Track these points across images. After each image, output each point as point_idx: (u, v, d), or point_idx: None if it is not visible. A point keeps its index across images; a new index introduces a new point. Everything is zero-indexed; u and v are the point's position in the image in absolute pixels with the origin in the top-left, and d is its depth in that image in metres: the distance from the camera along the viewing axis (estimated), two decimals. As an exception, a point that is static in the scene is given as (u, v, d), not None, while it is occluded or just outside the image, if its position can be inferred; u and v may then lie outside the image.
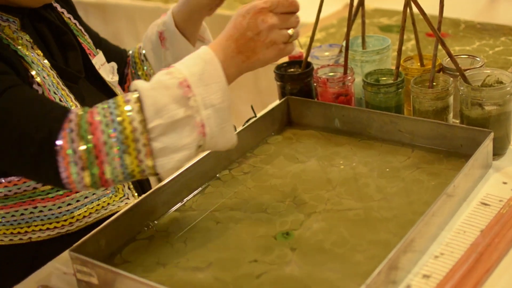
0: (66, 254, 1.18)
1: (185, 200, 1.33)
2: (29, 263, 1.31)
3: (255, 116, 1.54)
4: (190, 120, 1.11)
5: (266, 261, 1.15)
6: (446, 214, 1.21)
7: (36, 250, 1.33)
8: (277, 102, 1.58)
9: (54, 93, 1.28)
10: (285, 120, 1.55)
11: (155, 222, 1.27)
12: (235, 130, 1.16)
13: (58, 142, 1.08)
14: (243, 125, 1.49)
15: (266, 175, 1.39)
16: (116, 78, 1.51)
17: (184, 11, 1.51)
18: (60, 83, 1.31)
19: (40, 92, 1.26)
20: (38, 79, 1.26)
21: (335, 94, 1.51)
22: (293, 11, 1.20)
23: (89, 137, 1.08)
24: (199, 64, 1.13)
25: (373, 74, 1.50)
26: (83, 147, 1.08)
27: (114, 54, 1.60)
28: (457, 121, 1.42)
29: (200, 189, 1.36)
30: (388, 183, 1.32)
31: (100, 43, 1.57)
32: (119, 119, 1.09)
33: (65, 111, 1.11)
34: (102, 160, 1.08)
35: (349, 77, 1.50)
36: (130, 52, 1.65)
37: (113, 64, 1.52)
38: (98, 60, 1.46)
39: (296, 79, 1.56)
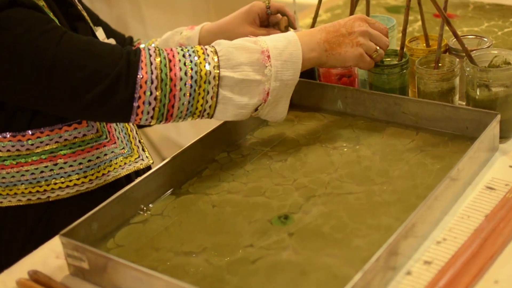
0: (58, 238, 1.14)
1: (181, 183, 1.30)
2: (46, 224, 1.32)
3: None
4: (260, 85, 1.24)
5: (262, 246, 1.12)
6: (450, 198, 1.17)
7: (53, 210, 1.32)
8: (279, 83, 1.53)
9: None
10: (287, 102, 1.51)
11: (150, 205, 1.24)
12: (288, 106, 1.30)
13: (139, 73, 1.19)
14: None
15: (266, 158, 1.36)
16: None
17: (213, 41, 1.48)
18: None
19: None
20: None
21: (338, 75, 1.47)
22: (384, 34, 1.36)
23: (168, 71, 1.20)
24: (283, 41, 1.26)
25: (377, 55, 1.45)
26: (161, 79, 1.19)
27: (114, 36, 1.57)
28: (463, 103, 1.38)
29: (197, 172, 1.33)
30: (391, 166, 1.28)
31: (100, 23, 1.55)
32: (196, 60, 1.21)
33: (135, 47, 1.25)
34: (175, 94, 1.20)
35: (353, 58, 1.46)
36: (141, 42, 1.62)
37: (112, 41, 1.49)
38: (100, 35, 1.44)
39: (298, 60, 1.52)
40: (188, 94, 1.20)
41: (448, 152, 1.30)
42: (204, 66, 1.21)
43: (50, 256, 1.16)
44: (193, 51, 1.23)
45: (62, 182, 1.31)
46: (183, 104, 1.21)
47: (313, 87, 1.48)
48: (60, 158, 1.31)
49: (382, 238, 1.09)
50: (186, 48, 1.24)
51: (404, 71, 1.41)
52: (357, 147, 1.36)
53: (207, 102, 1.22)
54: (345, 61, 1.31)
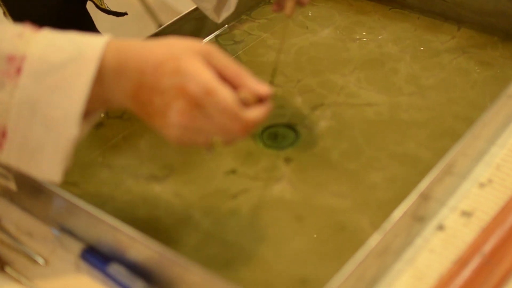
0: None
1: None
2: None
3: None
4: None
5: (248, 174, 0.84)
6: (501, 123, 0.89)
7: None
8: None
9: None
10: (297, -26, 1.20)
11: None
12: (65, 165, 0.71)
13: None
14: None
15: (264, 47, 1.06)
16: None
17: None
18: None
19: None
20: None
21: None
22: (228, 111, 0.66)
23: None
24: (66, 51, 0.68)
25: None
26: None
27: None
28: (523, -7, 1.07)
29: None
30: (424, 71, 1.00)
31: None
32: None
33: None
34: None
35: None
36: None
37: None
38: None
39: None
40: None
41: (497, 57, 1.01)
42: None
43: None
44: None
45: None
46: None
47: (331, -42, 1.17)
48: None
49: (406, 174, 0.83)
50: None
51: None
52: (380, 41, 1.06)
53: None
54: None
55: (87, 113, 0.71)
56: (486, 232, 0.76)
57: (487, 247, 0.74)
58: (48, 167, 0.71)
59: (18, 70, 0.68)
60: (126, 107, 0.71)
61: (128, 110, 0.71)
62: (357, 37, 1.07)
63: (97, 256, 0.75)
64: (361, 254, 0.66)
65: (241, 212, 0.79)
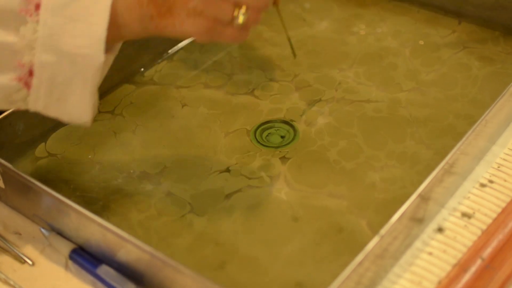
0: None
1: (143, 69, 0.98)
2: None
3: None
4: (13, 54, 0.68)
5: (243, 173, 0.82)
6: (502, 121, 0.86)
7: None
8: None
9: None
10: (294, -35, 1.18)
11: (99, 101, 0.93)
12: (94, 101, 0.71)
13: None
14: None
15: (259, 41, 1.04)
16: None
17: None
18: None
19: None
20: None
21: None
22: None
23: None
24: None
25: None
26: None
27: None
28: (525, -13, 1.05)
29: (167, 53, 1.01)
30: (424, 66, 0.97)
31: None
32: None
33: None
34: None
35: None
36: None
37: None
38: None
39: None
40: None
41: (499, 53, 0.99)
42: None
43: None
44: None
45: None
46: None
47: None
48: None
49: (405, 173, 0.80)
50: None
51: None
52: (380, 35, 1.04)
53: None
54: (185, 35, 0.71)
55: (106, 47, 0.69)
56: (486, 235, 0.74)
57: (488, 251, 0.72)
58: (78, 103, 0.70)
59: (37, 7, 0.67)
60: (144, 20, 0.69)
61: (144, 31, 0.69)
62: (356, 30, 1.05)
63: (86, 257, 0.73)
64: (359, 258, 0.64)
65: (235, 212, 0.77)
